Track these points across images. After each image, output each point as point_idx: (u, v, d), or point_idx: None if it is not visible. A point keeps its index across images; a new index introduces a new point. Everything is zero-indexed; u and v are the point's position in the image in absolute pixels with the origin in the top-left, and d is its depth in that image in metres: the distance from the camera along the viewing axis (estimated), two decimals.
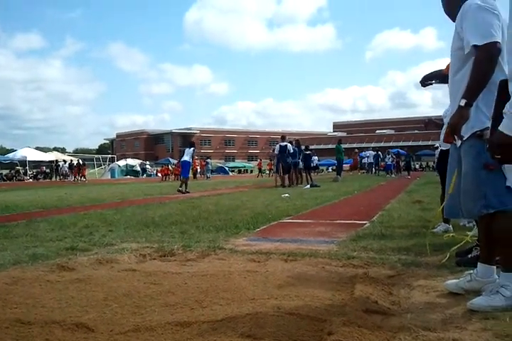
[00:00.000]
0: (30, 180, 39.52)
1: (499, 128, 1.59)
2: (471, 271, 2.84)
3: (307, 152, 19.94)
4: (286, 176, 17.18)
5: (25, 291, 3.06)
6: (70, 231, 5.81)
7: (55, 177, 39.61)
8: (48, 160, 44.85)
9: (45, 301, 2.83)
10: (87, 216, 7.66)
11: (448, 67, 3.76)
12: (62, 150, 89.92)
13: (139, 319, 2.49)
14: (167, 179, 36.26)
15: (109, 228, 6.10)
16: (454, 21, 2.90)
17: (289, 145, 17.31)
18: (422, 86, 3.50)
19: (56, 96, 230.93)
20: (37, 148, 53.74)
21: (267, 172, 39.09)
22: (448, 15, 3.00)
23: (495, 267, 2.75)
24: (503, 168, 2.72)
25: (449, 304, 2.67)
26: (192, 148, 15.75)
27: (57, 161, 41.69)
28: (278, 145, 17.40)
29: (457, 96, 2.77)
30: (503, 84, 1.60)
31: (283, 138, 17.70)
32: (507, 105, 1.57)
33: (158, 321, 2.42)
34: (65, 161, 40.70)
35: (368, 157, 32.67)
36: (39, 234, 5.58)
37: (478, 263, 2.82)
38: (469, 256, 3.57)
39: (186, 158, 15.64)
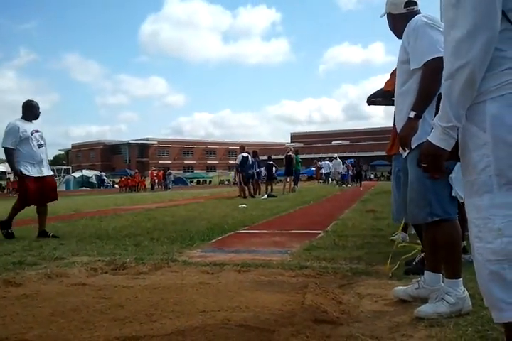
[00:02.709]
0: None
1: (427, 138, 1.66)
2: (419, 279, 2.91)
3: (270, 162, 20.10)
4: (246, 187, 17.20)
5: None
6: (18, 245, 5.63)
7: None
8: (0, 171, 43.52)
9: None
10: (38, 229, 7.43)
11: (386, 84, 3.90)
12: None
13: (86, 334, 2.43)
14: (126, 190, 35.82)
15: (60, 241, 5.95)
16: (398, 37, 3.01)
17: (249, 156, 17.38)
18: (367, 104, 3.62)
19: (9, 106, 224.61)
20: None
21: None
22: (393, 31, 3.10)
23: (441, 275, 2.83)
24: (449, 179, 2.81)
25: (396, 312, 2.72)
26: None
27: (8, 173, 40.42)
28: (240, 156, 17.43)
29: (403, 107, 2.87)
30: (440, 97, 1.67)
31: (242, 149, 17.75)
32: (436, 117, 1.64)
33: (105, 336, 2.37)
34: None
35: (323, 168, 33.09)
36: None
37: (425, 271, 2.89)
38: (414, 262, 3.67)
39: None
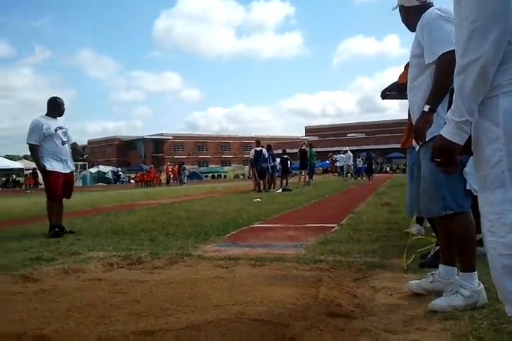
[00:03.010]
0: None
1: (440, 132, 1.65)
2: (434, 272, 2.90)
3: (284, 156, 20.10)
4: (261, 181, 17.20)
5: None
6: (36, 241, 5.71)
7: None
8: (17, 167, 44.09)
9: (6, 313, 2.77)
10: None
11: (400, 77, 3.86)
12: None
13: (102, 329, 2.46)
14: (141, 185, 36.03)
15: (76, 237, 6.02)
16: (411, 30, 2.98)
17: (264, 150, 17.37)
18: (382, 99, 3.59)
19: (25, 104, 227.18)
20: (6, 156, 52.75)
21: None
22: (406, 24, 3.06)
23: (456, 268, 2.82)
24: (464, 173, 2.79)
25: (411, 305, 2.71)
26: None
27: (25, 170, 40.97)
28: (253, 150, 17.44)
29: (415, 101, 2.85)
30: (453, 91, 1.66)
31: (258, 143, 17.74)
32: (449, 111, 1.62)
33: (121, 331, 2.39)
34: (34, 169, 39.99)
35: (338, 161, 32.93)
36: (4, 245, 5.46)
37: (440, 264, 2.88)
38: (429, 256, 3.65)
39: None
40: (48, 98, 6.70)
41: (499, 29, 1.43)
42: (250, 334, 2.23)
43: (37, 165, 6.55)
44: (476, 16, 1.45)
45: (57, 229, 6.27)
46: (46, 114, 6.61)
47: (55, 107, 6.65)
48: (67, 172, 6.60)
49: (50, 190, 6.46)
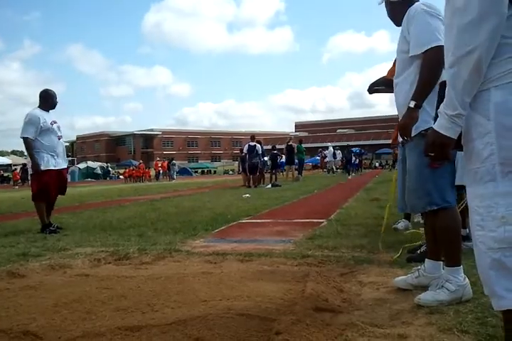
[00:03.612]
0: None
1: (433, 126, 1.65)
2: (419, 267, 2.92)
3: (274, 152, 20.11)
4: (251, 176, 17.18)
5: None
6: (23, 237, 5.67)
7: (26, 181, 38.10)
8: (5, 163, 43.76)
9: None
10: None
11: (389, 72, 3.86)
12: (21, 154, 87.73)
13: (89, 324, 2.45)
14: (131, 181, 35.87)
15: (64, 232, 5.99)
16: (396, 25, 2.97)
17: (257, 145, 17.37)
18: (369, 93, 3.57)
19: (14, 98, 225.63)
20: None
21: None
22: (391, 19, 3.05)
23: (441, 262, 2.83)
24: (456, 165, 2.80)
25: (397, 300, 2.73)
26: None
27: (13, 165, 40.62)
28: (247, 145, 17.44)
29: (400, 96, 2.85)
30: (444, 85, 1.65)
31: (253, 138, 17.73)
32: (441, 105, 1.62)
33: (108, 326, 2.39)
34: (24, 165, 39.66)
35: (328, 156, 32.99)
36: None
37: (426, 259, 2.90)
38: (418, 251, 3.66)
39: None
40: (40, 90, 6.47)
41: (494, 21, 1.43)
42: (237, 328, 2.23)
43: (32, 161, 6.18)
44: (471, 9, 1.44)
45: (52, 227, 6.12)
46: (39, 107, 6.37)
47: (48, 100, 6.40)
48: (61, 168, 6.42)
49: (43, 190, 6.21)
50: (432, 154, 1.67)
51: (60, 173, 6.41)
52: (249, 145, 17.30)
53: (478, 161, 1.53)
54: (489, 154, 1.49)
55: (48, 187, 6.21)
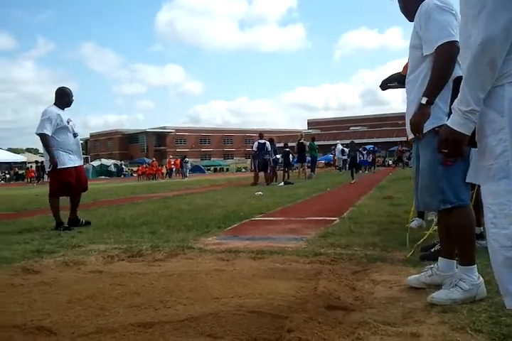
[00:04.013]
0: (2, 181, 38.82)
1: (447, 122, 1.63)
2: (432, 266, 2.90)
3: (286, 149, 20.10)
4: (264, 174, 17.20)
5: None
6: (38, 234, 5.73)
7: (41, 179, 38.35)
8: (20, 161, 44.22)
9: (7, 305, 2.78)
10: None
11: (404, 68, 3.83)
12: (35, 151, 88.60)
13: (102, 321, 2.46)
14: (144, 178, 36.01)
15: (78, 229, 6.04)
16: (409, 20, 2.94)
17: (267, 143, 17.41)
18: (382, 89, 3.54)
19: (28, 97, 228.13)
20: (9, 149, 52.92)
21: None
22: (404, 14, 3.01)
23: (455, 261, 2.81)
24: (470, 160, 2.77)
25: (410, 298, 2.71)
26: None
27: (26, 163, 41.03)
28: (256, 143, 17.48)
29: (412, 93, 2.82)
30: (459, 81, 1.63)
31: (261, 136, 17.77)
32: (455, 101, 1.60)
33: (120, 322, 2.40)
34: (37, 162, 40.00)
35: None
36: (6, 237, 5.48)
37: (439, 258, 2.88)
38: (432, 250, 3.64)
39: None
40: (57, 88, 6.53)
41: (508, 15, 1.41)
42: (249, 326, 2.23)
43: (50, 157, 6.20)
44: (485, 3, 1.43)
45: (65, 225, 6.16)
46: (54, 104, 6.41)
47: (64, 97, 6.45)
48: (77, 165, 6.45)
49: (61, 188, 6.26)
50: (446, 151, 1.65)
51: (77, 170, 6.45)
52: (258, 142, 17.34)
53: (492, 158, 1.51)
54: (503, 150, 1.48)
55: (66, 184, 6.25)
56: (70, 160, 6.32)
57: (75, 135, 6.43)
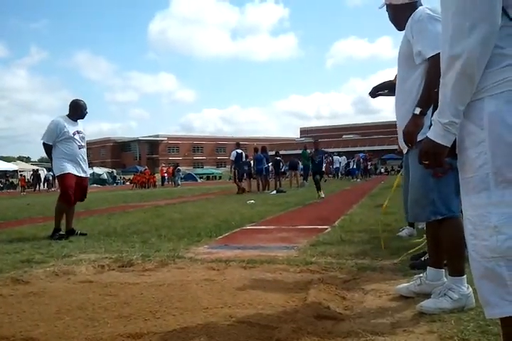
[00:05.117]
0: None
1: (427, 134, 1.65)
2: (421, 275, 2.91)
3: (277, 158, 20.13)
4: (244, 183, 17.35)
5: None
6: (28, 243, 5.69)
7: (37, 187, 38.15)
8: (11, 169, 43.94)
9: None
10: (47, 227, 7.46)
11: (396, 76, 3.85)
12: (27, 160, 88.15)
13: (91, 331, 2.46)
14: (137, 187, 35.78)
15: (68, 239, 6.01)
16: (398, 30, 2.95)
17: (243, 152, 17.64)
18: (371, 97, 3.55)
19: (20, 105, 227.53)
20: (0, 158, 52.61)
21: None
22: (393, 23, 3.00)
23: (444, 270, 2.82)
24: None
25: (399, 307, 2.72)
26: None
27: (17, 171, 40.89)
28: (234, 152, 17.51)
29: (405, 103, 2.82)
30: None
31: (238, 145, 17.86)
32: (435, 113, 1.62)
33: (110, 333, 2.40)
34: (34, 170, 39.89)
35: (334, 162, 33.07)
36: None
37: (428, 267, 2.89)
38: (422, 259, 3.65)
39: None
40: (72, 100, 6.65)
41: (485, 29, 1.42)
42: (238, 336, 2.23)
43: (52, 164, 6.50)
44: (463, 16, 1.44)
45: (62, 232, 6.19)
46: (67, 115, 6.55)
47: (77, 110, 6.57)
48: (82, 176, 6.53)
49: (64, 191, 6.36)
50: (426, 162, 1.67)
51: (80, 181, 6.50)
52: (236, 152, 17.39)
53: (471, 170, 1.53)
54: (483, 163, 1.49)
55: (68, 188, 6.31)
56: (74, 170, 6.40)
57: (80, 147, 6.48)
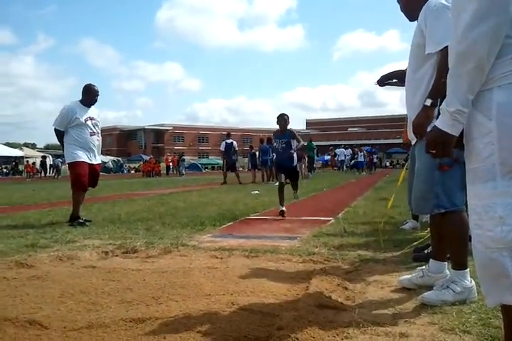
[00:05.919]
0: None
1: (435, 123, 1.64)
2: (424, 267, 2.91)
3: None
4: (234, 173, 17.36)
5: None
6: (32, 228, 5.73)
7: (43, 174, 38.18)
8: (18, 155, 44.11)
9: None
10: (52, 212, 7.55)
11: None
12: (33, 146, 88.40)
13: (94, 316, 2.47)
14: (144, 175, 35.76)
15: (83, 225, 6.02)
16: (410, 20, 2.91)
17: (234, 142, 17.50)
18: (379, 85, 3.50)
19: (27, 91, 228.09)
20: (6, 144, 52.73)
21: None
22: (405, 13, 2.96)
23: (446, 263, 2.83)
24: None
25: (401, 299, 2.73)
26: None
27: (23, 157, 41.00)
28: (224, 143, 17.47)
29: (416, 94, 2.78)
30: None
31: (228, 136, 17.80)
32: (444, 102, 1.61)
33: (112, 318, 2.41)
34: (43, 157, 39.94)
35: (339, 155, 33.01)
36: (0, 231, 5.48)
37: (430, 260, 2.89)
38: (425, 251, 3.65)
39: None
40: (84, 84, 6.53)
41: (496, 20, 1.41)
42: (239, 323, 2.25)
43: (63, 151, 6.44)
44: (474, 6, 1.43)
45: (81, 220, 6.14)
46: (80, 101, 6.45)
47: (88, 94, 6.44)
48: (94, 163, 6.47)
49: (75, 179, 6.29)
50: (434, 151, 1.66)
51: (92, 168, 6.46)
52: (226, 143, 17.34)
53: (478, 160, 1.53)
54: (489, 154, 1.49)
55: (80, 176, 6.27)
56: (86, 156, 6.34)
57: (91, 133, 6.41)
